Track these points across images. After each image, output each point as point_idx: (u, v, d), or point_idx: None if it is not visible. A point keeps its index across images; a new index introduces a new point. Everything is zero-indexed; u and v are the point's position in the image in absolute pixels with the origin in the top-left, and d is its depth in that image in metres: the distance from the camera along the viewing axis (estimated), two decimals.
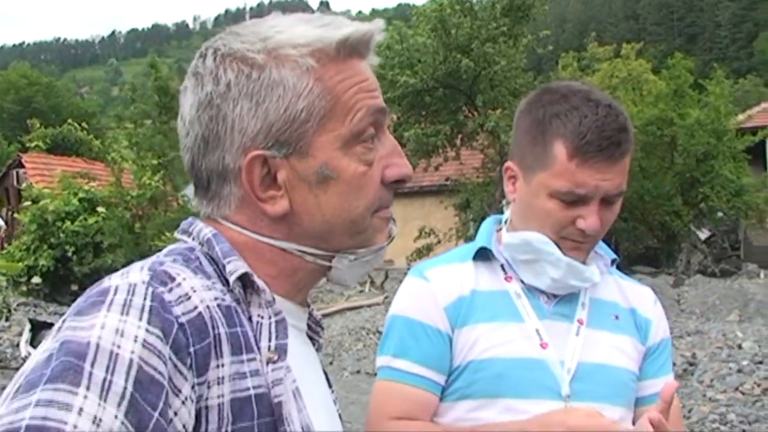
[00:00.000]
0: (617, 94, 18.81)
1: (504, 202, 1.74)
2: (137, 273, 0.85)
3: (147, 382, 0.74)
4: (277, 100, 0.91)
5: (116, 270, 0.90)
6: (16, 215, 20.07)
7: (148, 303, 0.80)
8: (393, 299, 1.65)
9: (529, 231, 1.54)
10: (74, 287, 16.01)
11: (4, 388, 0.75)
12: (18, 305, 14.01)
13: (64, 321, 0.80)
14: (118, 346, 0.75)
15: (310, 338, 1.08)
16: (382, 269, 16.06)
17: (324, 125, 0.93)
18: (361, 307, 13.73)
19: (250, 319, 0.90)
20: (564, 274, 1.52)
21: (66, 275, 16.59)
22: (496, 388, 1.49)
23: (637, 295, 1.67)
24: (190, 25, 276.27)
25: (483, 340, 1.52)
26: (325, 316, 12.12)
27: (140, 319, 0.78)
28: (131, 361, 0.74)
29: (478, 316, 1.54)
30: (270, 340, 0.89)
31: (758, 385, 7.17)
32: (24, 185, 20.45)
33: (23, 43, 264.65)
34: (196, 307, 0.83)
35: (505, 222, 1.66)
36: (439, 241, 16.40)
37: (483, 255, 1.61)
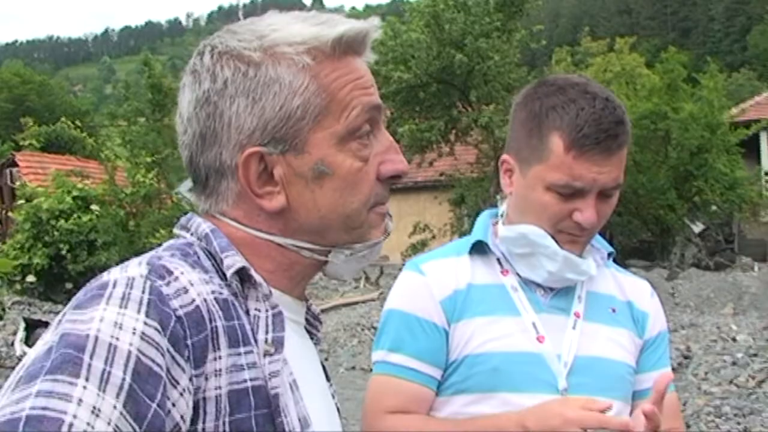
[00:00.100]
0: (611, 88, 18.68)
1: (498, 196, 1.73)
2: (136, 267, 0.86)
3: (145, 374, 0.75)
4: (274, 98, 0.92)
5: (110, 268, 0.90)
6: (9, 214, 19.99)
7: (146, 296, 0.81)
8: (388, 295, 1.64)
9: (526, 224, 1.53)
10: (69, 285, 15.96)
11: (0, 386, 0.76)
12: (12, 304, 14.03)
13: (64, 314, 0.81)
14: (117, 339, 0.76)
15: (309, 332, 1.09)
16: (376, 265, 16.07)
17: (320, 122, 0.94)
18: (356, 303, 13.75)
19: (247, 312, 0.91)
20: (560, 268, 1.52)
21: (60, 273, 16.53)
22: (493, 382, 1.49)
23: (634, 288, 1.67)
24: (184, 23, 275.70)
25: (479, 334, 1.51)
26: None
27: (138, 312, 0.79)
28: (129, 353, 0.75)
29: (475, 309, 1.53)
30: (267, 333, 0.90)
31: (753, 378, 7.20)
32: (18, 184, 20.40)
33: (16, 41, 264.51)
34: (193, 300, 0.84)
35: (501, 215, 1.65)
36: (433, 237, 16.39)
37: (479, 249, 1.61)
